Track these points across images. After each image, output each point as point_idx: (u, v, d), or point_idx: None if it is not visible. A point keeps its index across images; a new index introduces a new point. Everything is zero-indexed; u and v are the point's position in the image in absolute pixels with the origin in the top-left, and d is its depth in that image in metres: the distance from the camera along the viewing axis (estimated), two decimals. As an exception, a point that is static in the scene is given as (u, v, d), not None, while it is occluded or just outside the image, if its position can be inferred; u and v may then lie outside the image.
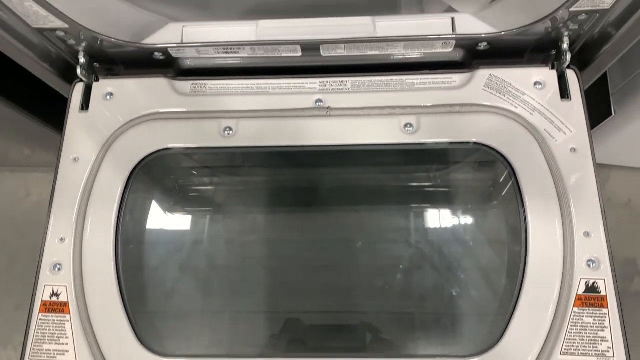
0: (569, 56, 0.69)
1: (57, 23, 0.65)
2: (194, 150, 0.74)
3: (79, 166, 0.71)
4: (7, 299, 1.28)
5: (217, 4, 0.79)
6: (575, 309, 0.61)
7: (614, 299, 0.61)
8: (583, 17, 0.65)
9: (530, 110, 0.69)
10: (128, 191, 0.71)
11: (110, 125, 0.73)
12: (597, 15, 0.65)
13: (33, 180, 1.40)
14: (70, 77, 0.76)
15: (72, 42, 0.70)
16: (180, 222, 0.98)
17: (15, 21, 0.66)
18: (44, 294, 0.65)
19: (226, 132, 0.71)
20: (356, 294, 0.90)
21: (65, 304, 0.65)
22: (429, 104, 0.71)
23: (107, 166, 0.71)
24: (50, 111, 0.95)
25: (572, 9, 0.63)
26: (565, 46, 0.69)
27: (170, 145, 0.72)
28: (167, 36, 0.71)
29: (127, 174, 0.71)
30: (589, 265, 0.62)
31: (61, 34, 0.68)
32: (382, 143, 0.71)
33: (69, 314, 0.64)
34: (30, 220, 1.35)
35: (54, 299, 0.65)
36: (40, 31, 0.68)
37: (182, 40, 0.71)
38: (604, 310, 0.60)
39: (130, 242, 0.77)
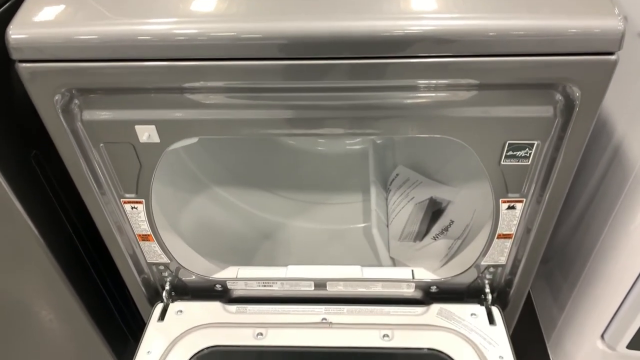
0: (489, 297, 1.05)
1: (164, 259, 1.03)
2: (233, 347, 1.05)
3: (151, 357, 1.01)
4: None
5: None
6: None
7: None
8: (492, 270, 1.01)
9: (469, 330, 1.02)
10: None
11: (177, 331, 1.05)
12: (500, 268, 1.01)
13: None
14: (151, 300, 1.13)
15: (165, 273, 1.06)
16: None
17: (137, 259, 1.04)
18: None
19: (258, 336, 1.04)
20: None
21: None
22: (400, 323, 1.04)
23: (170, 356, 1.01)
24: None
25: (482, 263, 1.00)
26: (487, 290, 1.04)
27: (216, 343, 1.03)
28: (227, 274, 1.08)
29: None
30: None
31: (161, 267, 1.04)
32: (367, 346, 1.02)
33: None
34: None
35: None
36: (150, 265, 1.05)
37: (236, 276, 1.07)
38: None
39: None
